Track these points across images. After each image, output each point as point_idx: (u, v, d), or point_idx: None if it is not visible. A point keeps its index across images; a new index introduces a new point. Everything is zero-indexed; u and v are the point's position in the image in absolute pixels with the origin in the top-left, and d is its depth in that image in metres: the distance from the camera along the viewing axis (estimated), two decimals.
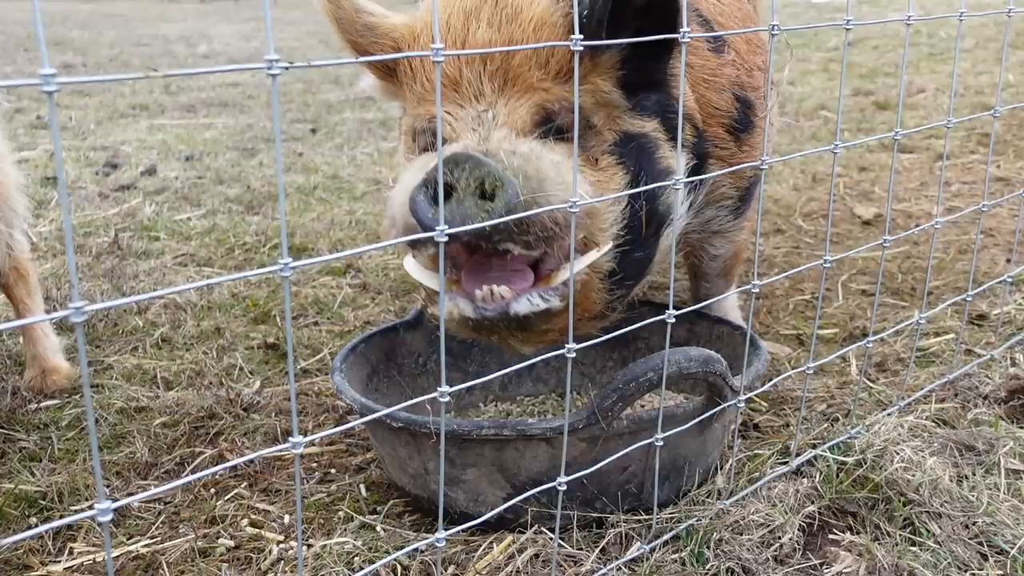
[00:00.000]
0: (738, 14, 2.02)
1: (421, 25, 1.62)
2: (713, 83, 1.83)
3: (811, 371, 1.78)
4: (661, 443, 1.54)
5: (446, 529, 1.27)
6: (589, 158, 1.57)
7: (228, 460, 1.96)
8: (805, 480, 1.72)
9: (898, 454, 1.71)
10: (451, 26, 1.56)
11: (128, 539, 1.73)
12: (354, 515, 1.76)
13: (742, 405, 1.66)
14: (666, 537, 1.60)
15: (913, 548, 1.54)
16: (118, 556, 1.66)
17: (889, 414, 1.97)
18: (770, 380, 1.88)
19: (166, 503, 1.84)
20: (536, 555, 1.58)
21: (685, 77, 1.67)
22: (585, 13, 1.44)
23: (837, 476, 1.71)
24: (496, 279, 1.46)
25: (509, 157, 1.41)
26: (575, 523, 1.65)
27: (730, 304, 2.40)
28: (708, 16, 1.87)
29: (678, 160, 1.58)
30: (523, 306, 1.45)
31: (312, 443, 2.03)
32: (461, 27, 1.55)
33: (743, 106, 1.88)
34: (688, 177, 1.71)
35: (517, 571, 1.55)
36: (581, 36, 1.21)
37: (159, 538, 1.72)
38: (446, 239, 1.13)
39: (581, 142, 1.53)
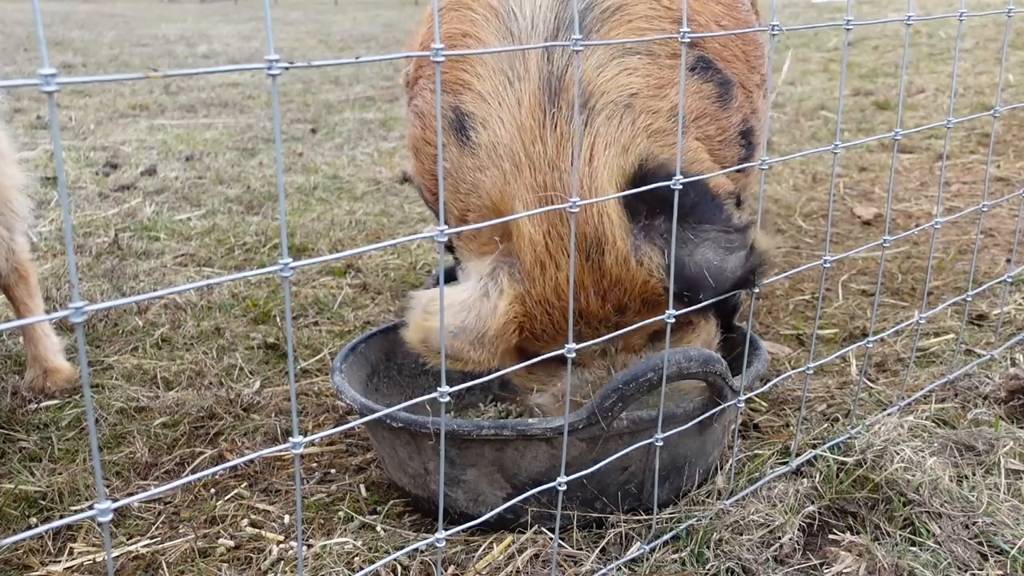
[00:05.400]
0: (737, 29, 2.00)
1: (528, 300, 1.65)
2: (725, 139, 1.85)
3: (811, 371, 1.78)
4: (661, 443, 1.54)
5: (446, 529, 1.27)
6: (686, 327, 1.77)
7: (228, 460, 1.96)
8: (805, 480, 1.72)
9: (898, 454, 1.71)
10: (562, 299, 1.61)
11: (128, 539, 1.73)
12: (354, 515, 1.76)
13: (742, 405, 1.66)
14: (666, 537, 1.60)
15: (913, 548, 1.54)
16: (118, 556, 1.66)
17: (889, 414, 1.97)
18: (770, 380, 1.88)
19: (166, 503, 1.84)
20: (536, 555, 1.58)
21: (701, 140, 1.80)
22: (688, 293, 1.58)
23: (837, 476, 1.71)
24: None
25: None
26: (575, 523, 1.65)
27: None
28: (713, 59, 1.85)
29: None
30: None
31: (312, 443, 2.03)
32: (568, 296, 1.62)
33: (747, 139, 1.91)
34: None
35: (517, 571, 1.54)
36: (580, 36, 1.21)
37: (159, 538, 1.72)
38: (446, 239, 1.15)
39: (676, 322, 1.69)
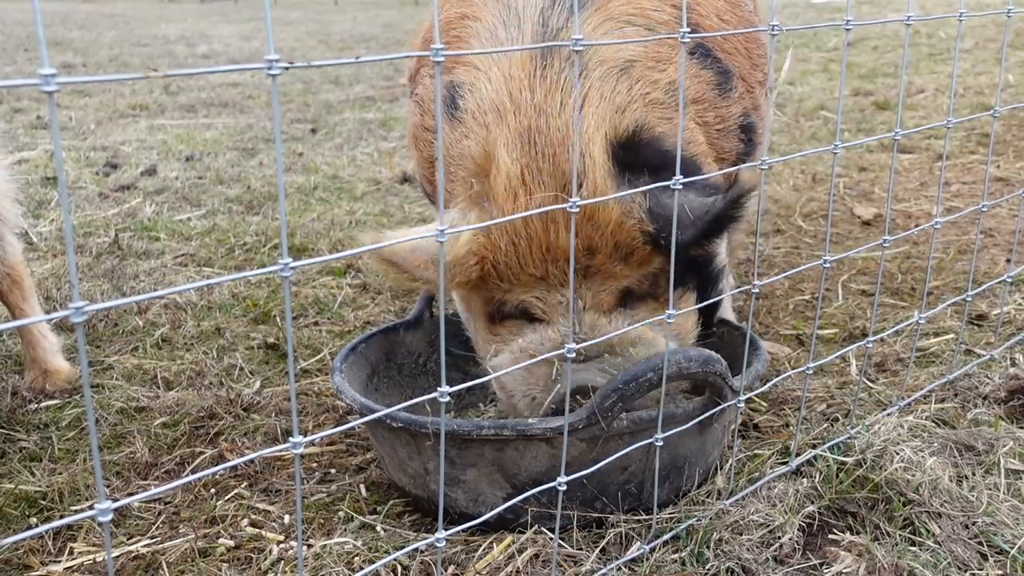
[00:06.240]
0: (741, 27, 2.01)
1: (494, 229, 1.65)
2: (724, 128, 1.85)
3: (811, 371, 1.78)
4: (661, 443, 1.54)
5: (446, 529, 1.27)
6: (663, 301, 1.71)
7: (228, 460, 1.96)
8: (805, 480, 1.72)
9: (898, 454, 1.71)
10: (531, 231, 1.62)
11: (128, 539, 1.73)
12: (354, 515, 1.76)
13: (742, 405, 1.66)
14: (666, 537, 1.60)
15: (913, 548, 1.54)
16: (118, 556, 1.66)
17: (889, 414, 1.97)
18: (770, 380, 1.88)
19: (166, 503, 1.84)
20: (536, 555, 1.58)
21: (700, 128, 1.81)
22: (664, 234, 1.57)
23: (837, 476, 1.71)
24: None
25: (614, 362, 1.62)
26: (575, 523, 1.65)
27: (725, 303, 2.41)
28: (712, 47, 1.86)
29: (723, 245, 1.79)
30: None
31: (312, 443, 2.03)
32: (542, 231, 1.62)
33: (747, 134, 1.91)
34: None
35: (517, 571, 1.54)
36: (580, 36, 1.22)
37: (159, 538, 1.72)
38: (445, 239, 1.15)
39: (654, 292, 1.72)
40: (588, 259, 1.63)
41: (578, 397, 1.60)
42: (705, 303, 1.78)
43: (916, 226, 3.37)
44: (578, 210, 1.28)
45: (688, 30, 1.36)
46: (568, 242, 1.60)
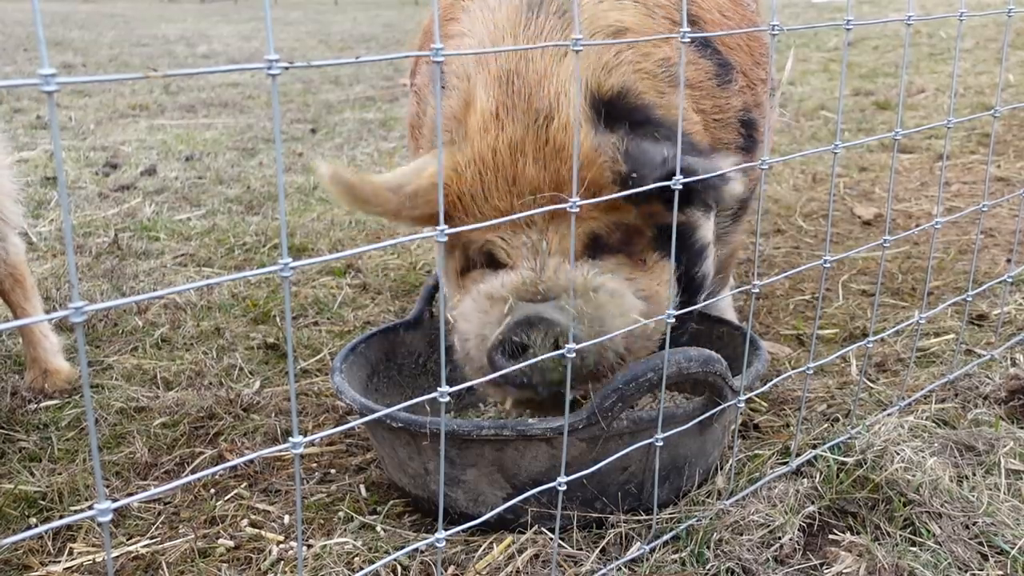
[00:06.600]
0: (743, 24, 2.01)
1: (461, 159, 1.63)
2: (722, 119, 1.85)
3: (811, 371, 1.78)
4: (661, 443, 1.54)
5: (446, 529, 1.27)
6: (636, 260, 1.66)
7: (228, 460, 1.96)
8: (805, 480, 1.72)
9: (898, 454, 1.71)
10: (498, 161, 1.59)
11: (128, 539, 1.72)
12: (354, 515, 1.76)
13: (742, 405, 1.66)
14: (666, 537, 1.60)
15: (913, 548, 1.54)
16: (118, 556, 1.66)
17: (889, 414, 1.97)
18: (770, 380, 1.88)
19: (166, 503, 1.84)
20: (536, 555, 1.58)
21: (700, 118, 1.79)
22: (634, 175, 1.53)
23: (837, 476, 1.71)
24: None
25: (572, 302, 1.52)
26: (575, 523, 1.65)
27: (726, 303, 2.41)
28: (716, 45, 1.86)
29: (710, 226, 1.73)
30: None
31: (312, 443, 2.03)
32: (509, 162, 1.59)
33: (748, 129, 1.90)
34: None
35: (517, 571, 1.54)
36: (580, 36, 1.22)
37: (159, 538, 1.72)
38: (445, 239, 1.14)
39: (626, 248, 1.66)
40: (555, 193, 1.59)
41: (530, 329, 1.51)
42: (695, 301, 1.73)
43: (916, 226, 3.37)
44: (578, 210, 1.28)
45: (688, 29, 1.36)
46: (536, 177, 1.57)
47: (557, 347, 1.47)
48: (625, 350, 1.57)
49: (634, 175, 1.54)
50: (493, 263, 1.66)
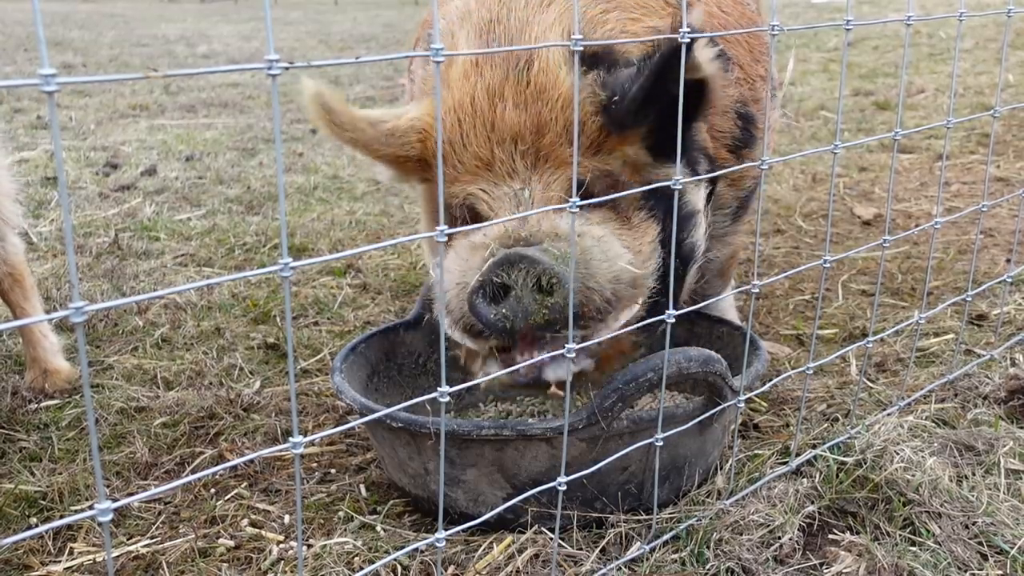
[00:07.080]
0: (742, 22, 2.01)
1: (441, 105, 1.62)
2: (718, 107, 1.84)
3: (811, 371, 1.78)
4: (661, 443, 1.54)
5: (446, 529, 1.27)
6: (622, 217, 1.63)
7: (228, 460, 1.96)
8: (805, 480, 1.72)
9: (898, 454, 1.71)
10: (476, 107, 1.58)
11: (128, 539, 1.73)
12: (354, 515, 1.76)
13: (742, 405, 1.66)
14: (666, 537, 1.60)
15: (913, 548, 1.54)
16: (118, 556, 1.66)
17: (889, 414, 1.97)
18: (770, 380, 1.88)
19: (166, 503, 1.84)
20: (536, 555, 1.58)
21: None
22: (615, 98, 1.51)
23: (837, 476, 1.71)
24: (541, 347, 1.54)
25: (556, 245, 1.48)
26: (575, 523, 1.65)
27: (727, 303, 2.41)
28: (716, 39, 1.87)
29: (700, 194, 1.70)
30: (557, 372, 1.53)
31: (312, 443, 2.03)
32: (488, 108, 1.57)
33: (745, 123, 1.90)
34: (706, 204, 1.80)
35: (517, 571, 1.54)
36: (580, 36, 1.22)
37: (159, 538, 1.72)
38: (445, 239, 1.14)
39: (611, 202, 1.61)
40: (536, 139, 1.56)
41: (511, 268, 1.47)
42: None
43: (916, 226, 3.37)
44: (578, 210, 1.28)
45: (688, 29, 1.36)
46: (516, 121, 1.55)
47: (540, 287, 1.44)
48: (612, 295, 1.53)
49: (615, 99, 1.52)
50: (477, 219, 1.62)
